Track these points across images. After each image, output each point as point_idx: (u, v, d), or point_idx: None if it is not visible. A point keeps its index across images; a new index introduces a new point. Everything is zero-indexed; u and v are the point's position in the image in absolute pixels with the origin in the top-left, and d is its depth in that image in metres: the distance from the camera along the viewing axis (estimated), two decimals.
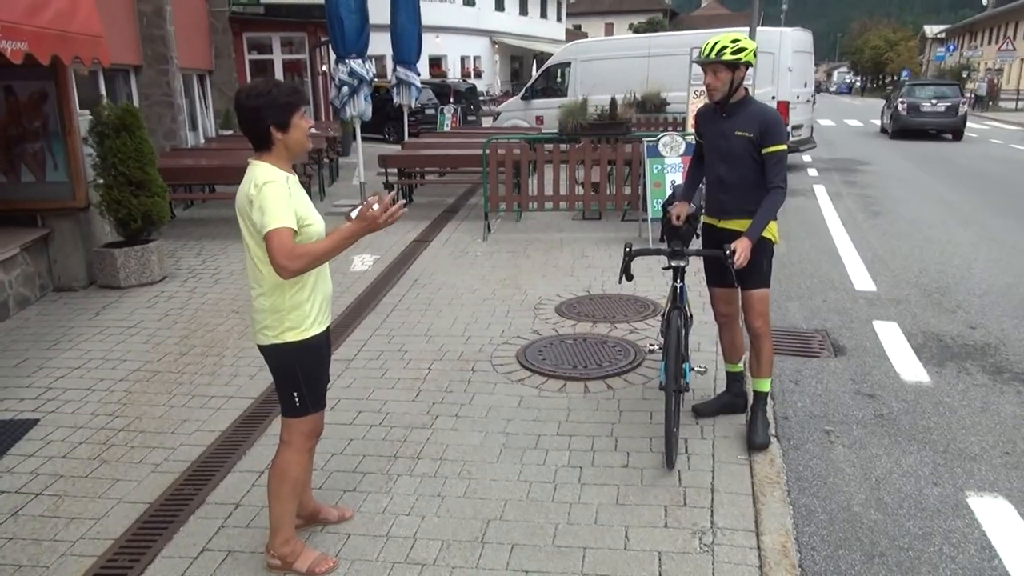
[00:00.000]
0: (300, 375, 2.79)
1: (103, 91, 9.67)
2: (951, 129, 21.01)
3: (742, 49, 3.56)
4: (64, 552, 3.06)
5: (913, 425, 4.22)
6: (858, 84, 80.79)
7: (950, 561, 3.06)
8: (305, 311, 2.74)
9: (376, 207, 2.61)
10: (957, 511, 3.40)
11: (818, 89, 39.63)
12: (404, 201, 2.67)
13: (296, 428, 2.85)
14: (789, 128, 13.00)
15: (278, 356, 2.77)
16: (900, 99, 21.65)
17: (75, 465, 3.75)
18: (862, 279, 7.03)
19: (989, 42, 50.79)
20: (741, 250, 3.47)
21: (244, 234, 2.68)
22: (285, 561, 2.89)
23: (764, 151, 3.59)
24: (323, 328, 2.84)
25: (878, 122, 24.28)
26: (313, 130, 2.77)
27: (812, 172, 14.23)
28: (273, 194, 2.56)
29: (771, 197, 3.59)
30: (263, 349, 2.80)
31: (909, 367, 5.00)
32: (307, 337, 2.76)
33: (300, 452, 2.88)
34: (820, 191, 11.98)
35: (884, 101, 25.59)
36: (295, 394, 2.80)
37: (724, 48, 3.56)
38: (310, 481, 3.17)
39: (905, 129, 21.14)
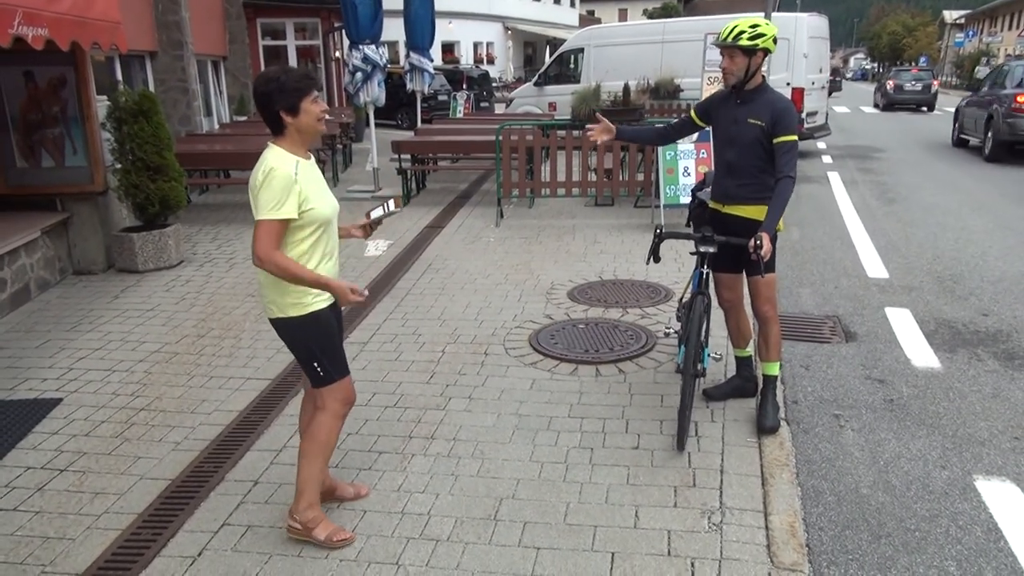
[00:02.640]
0: (313, 346, 2.88)
1: (119, 77, 9.76)
2: (925, 103, 28.29)
3: (760, 35, 3.55)
4: (89, 525, 3.16)
5: (923, 410, 4.25)
6: (873, 70, 79.90)
7: (956, 542, 3.10)
8: (306, 287, 2.82)
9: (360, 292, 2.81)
10: (965, 494, 3.44)
11: (837, 75, 39.73)
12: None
13: (329, 395, 2.95)
14: (804, 115, 12.93)
15: (286, 330, 2.88)
16: (888, 80, 29.77)
17: (98, 443, 3.84)
18: (875, 266, 7.03)
19: (1009, 28, 50.06)
20: (766, 244, 3.47)
21: (254, 213, 2.77)
22: (306, 527, 2.97)
23: (775, 140, 3.59)
24: (327, 304, 2.90)
25: (903, 114, 27.85)
26: (326, 115, 2.86)
27: (826, 159, 14.16)
28: (275, 183, 2.65)
29: (781, 187, 3.56)
30: (272, 323, 2.92)
31: (920, 353, 5.02)
32: (309, 312, 2.84)
33: (336, 417, 2.98)
34: (834, 178, 11.93)
35: (876, 84, 34.09)
36: (315, 364, 2.90)
37: (742, 33, 3.56)
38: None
39: (892, 103, 28.46)
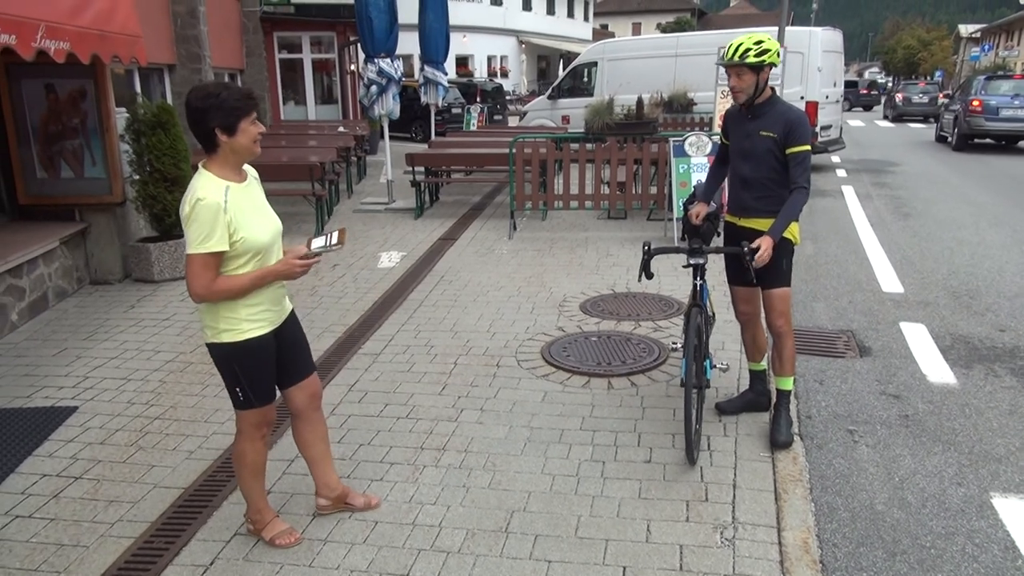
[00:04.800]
0: (239, 373, 2.84)
1: (138, 89, 9.89)
2: (932, 114, 28.27)
3: (766, 51, 3.56)
4: (103, 533, 3.18)
5: (938, 426, 4.20)
6: (886, 84, 79.42)
7: (972, 560, 3.06)
8: (240, 315, 2.76)
9: (306, 252, 2.83)
10: (981, 511, 3.40)
11: (875, 88, 39.56)
12: (319, 259, 2.88)
13: (245, 419, 2.95)
14: (818, 128, 12.90)
15: (216, 354, 2.83)
16: (897, 93, 31.70)
17: (113, 451, 3.87)
18: (890, 280, 6.99)
19: None
20: (764, 248, 3.49)
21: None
22: (256, 527, 3.11)
23: (788, 151, 3.60)
24: (264, 331, 2.84)
25: (914, 125, 28.57)
26: (260, 135, 2.77)
27: (841, 173, 14.10)
28: (202, 214, 2.59)
29: (794, 197, 3.59)
30: (207, 346, 2.86)
31: (936, 369, 4.97)
32: (243, 339, 2.78)
33: (251, 440, 2.98)
34: (849, 192, 11.87)
35: (885, 97, 35.96)
36: (237, 389, 2.87)
37: (748, 50, 3.55)
38: (330, 462, 3.26)
39: (901, 115, 30.12)
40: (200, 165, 2.73)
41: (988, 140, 18.22)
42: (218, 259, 2.65)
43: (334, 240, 2.89)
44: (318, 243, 2.90)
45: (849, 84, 39.93)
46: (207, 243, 2.60)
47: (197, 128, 2.65)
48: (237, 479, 3.09)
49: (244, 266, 2.73)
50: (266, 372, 2.92)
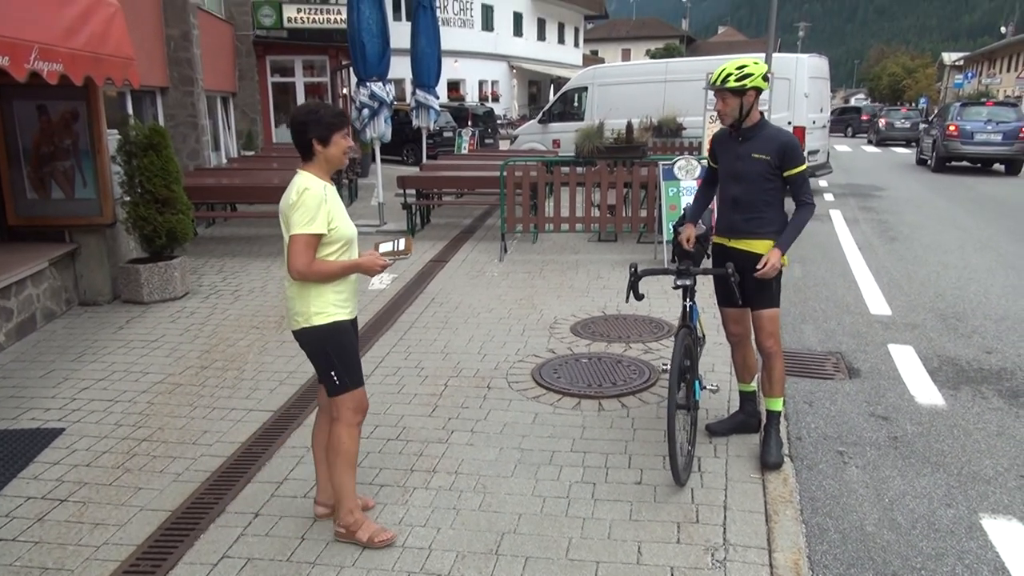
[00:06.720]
0: (332, 354, 3.08)
1: (130, 111, 9.92)
2: (913, 139, 28.81)
3: (747, 75, 3.64)
4: (88, 557, 3.14)
5: (927, 448, 4.22)
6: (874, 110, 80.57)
7: None
8: (328, 299, 3.05)
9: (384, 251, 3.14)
10: (971, 533, 3.41)
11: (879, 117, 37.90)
12: (392, 262, 3.14)
13: (342, 405, 3.13)
14: (805, 153, 13.03)
15: (308, 339, 3.09)
16: (880, 119, 32.58)
17: (99, 473, 3.83)
18: (877, 303, 7.04)
19: (1008, 70, 50.69)
20: (772, 260, 3.65)
21: (284, 234, 3.02)
22: (349, 530, 3.17)
23: (786, 174, 3.71)
24: (347, 317, 3.12)
25: (897, 149, 29.04)
26: (350, 148, 3.08)
27: (828, 197, 14.24)
28: (309, 201, 2.93)
29: (800, 211, 3.73)
30: (296, 335, 3.12)
31: (924, 390, 5.00)
32: (332, 321, 3.06)
33: (349, 426, 3.15)
34: (836, 216, 11.99)
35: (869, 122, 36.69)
36: (332, 373, 3.10)
37: (729, 75, 3.66)
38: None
39: (883, 139, 31.02)
40: (298, 169, 3.07)
41: (964, 163, 19.34)
42: (318, 241, 2.96)
43: (401, 246, 3.17)
44: (385, 247, 3.16)
45: (853, 110, 40.08)
46: (311, 225, 2.92)
47: (298, 138, 3.03)
48: (332, 472, 3.16)
49: (334, 255, 3.04)
50: (355, 354, 3.18)
